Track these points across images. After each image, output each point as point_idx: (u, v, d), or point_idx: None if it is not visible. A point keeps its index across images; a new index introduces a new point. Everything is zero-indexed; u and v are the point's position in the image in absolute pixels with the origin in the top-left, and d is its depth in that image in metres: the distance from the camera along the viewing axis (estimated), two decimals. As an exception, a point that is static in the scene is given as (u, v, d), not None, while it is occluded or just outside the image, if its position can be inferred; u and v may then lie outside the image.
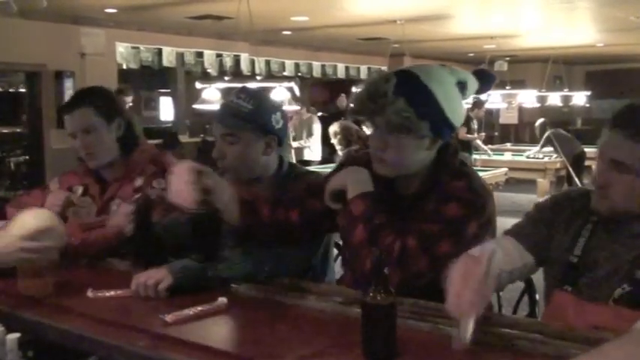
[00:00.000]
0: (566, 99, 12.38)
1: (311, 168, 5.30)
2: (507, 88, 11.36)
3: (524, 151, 10.05)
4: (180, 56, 9.53)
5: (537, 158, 9.21)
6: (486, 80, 1.85)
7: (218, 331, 1.59)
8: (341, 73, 12.48)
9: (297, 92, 8.46)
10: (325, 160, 8.81)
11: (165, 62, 9.35)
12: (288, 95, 7.36)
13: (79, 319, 1.62)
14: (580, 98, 12.56)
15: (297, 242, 1.96)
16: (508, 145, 11.91)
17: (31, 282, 1.81)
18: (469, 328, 1.25)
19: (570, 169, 8.75)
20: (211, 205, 1.78)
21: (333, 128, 5.80)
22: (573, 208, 1.58)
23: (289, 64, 11.31)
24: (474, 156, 9.12)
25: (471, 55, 13.19)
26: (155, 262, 1.82)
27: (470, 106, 9.05)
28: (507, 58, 12.73)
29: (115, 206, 2.36)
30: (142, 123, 10.75)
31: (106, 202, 2.40)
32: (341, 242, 2.27)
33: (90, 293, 1.75)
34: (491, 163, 8.84)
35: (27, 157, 8.97)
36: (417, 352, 1.35)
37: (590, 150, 8.21)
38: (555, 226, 1.59)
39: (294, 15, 8.41)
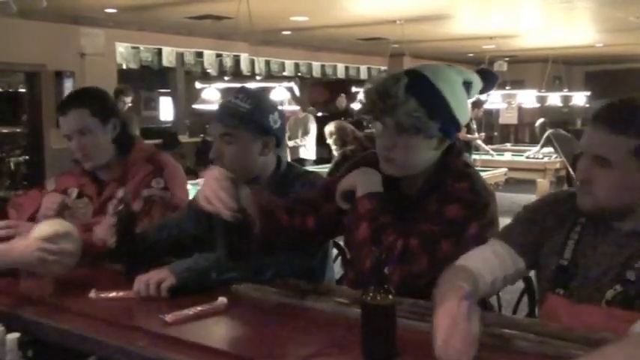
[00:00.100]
0: (565, 99, 12.39)
1: (309, 168, 5.29)
2: (507, 88, 11.37)
3: (523, 151, 10.04)
4: (179, 56, 9.53)
5: (537, 158, 9.21)
6: (489, 80, 1.86)
7: (218, 331, 1.59)
8: (341, 73, 12.48)
9: (297, 92, 8.46)
10: (322, 160, 8.81)
11: (165, 62, 9.35)
12: (287, 95, 7.36)
13: (78, 319, 1.62)
14: (580, 98, 12.56)
15: (311, 247, 1.98)
16: (508, 146, 11.91)
17: (33, 282, 1.82)
18: None
19: (570, 170, 8.73)
20: (245, 213, 1.72)
21: (329, 128, 5.82)
22: (562, 209, 1.58)
23: (289, 64, 11.31)
24: (474, 156, 9.13)
25: (471, 55, 13.20)
26: (142, 272, 1.80)
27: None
28: (507, 59, 12.74)
29: (112, 206, 2.36)
30: (141, 123, 10.79)
31: (103, 202, 2.40)
32: (341, 243, 2.28)
33: (92, 294, 1.75)
34: (491, 163, 8.85)
35: (27, 157, 8.97)
36: (416, 352, 1.34)
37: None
38: (545, 228, 1.59)
39: (293, 15, 8.41)
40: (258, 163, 2.07)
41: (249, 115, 2.01)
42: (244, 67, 10.03)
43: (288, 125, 8.66)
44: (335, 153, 5.81)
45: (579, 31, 10.25)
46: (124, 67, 8.98)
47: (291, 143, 8.62)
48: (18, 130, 10.23)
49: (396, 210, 1.73)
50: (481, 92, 1.88)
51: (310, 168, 5.83)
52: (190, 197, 2.41)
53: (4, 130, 10.50)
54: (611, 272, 1.46)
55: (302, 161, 8.21)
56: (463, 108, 1.73)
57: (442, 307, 1.24)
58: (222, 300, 1.65)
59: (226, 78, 9.91)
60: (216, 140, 2.06)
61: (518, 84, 13.20)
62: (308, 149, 8.95)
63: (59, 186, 2.51)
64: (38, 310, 1.70)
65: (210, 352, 1.39)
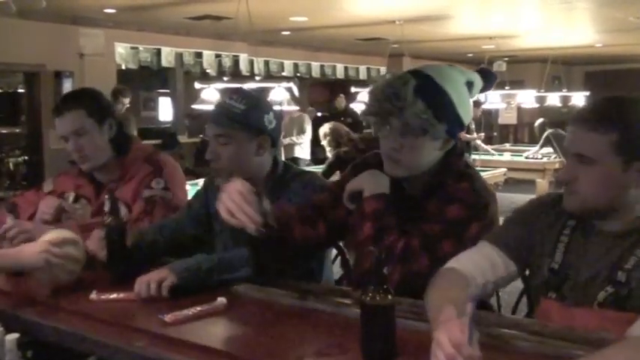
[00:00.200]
0: (565, 99, 12.39)
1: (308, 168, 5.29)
2: (506, 88, 11.35)
3: (523, 151, 10.04)
4: (179, 56, 9.52)
5: (536, 159, 9.21)
6: (488, 79, 1.87)
7: (217, 332, 1.59)
8: (340, 74, 12.47)
9: (296, 92, 8.46)
10: (317, 161, 8.79)
11: (164, 62, 9.34)
12: (287, 95, 7.36)
13: (77, 319, 1.62)
14: (579, 99, 12.56)
15: (321, 253, 2.01)
16: (507, 146, 11.91)
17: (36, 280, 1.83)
18: None
19: (569, 170, 8.73)
20: (269, 227, 1.67)
21: (323, 130, 5.85)
22: (552, 212, 1.58)
23: (288, 64, 11.31)
24: (474, 156, 9.13)
25: (470, 55, 13.20)
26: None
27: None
28: (506, 59, 12.74)
29: (105, 196, 2.36)
30: (140, 123, 10.79)
31: (101, 203, 2.40)
32: (341, 243, 2.28)
33: (93, 295, 1.75)
34: (491, 163, 8.84)
35: (26, 158, 8.96)
36: (416, 353, 1.34)
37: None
38: (535, 231, 1.59)
39: (293, 15, 8.41)
40: (254, 163, 2.07)
41: (244, 116, 2.01)
42: (243, 67, 10.02)
43: (282, 124, 8.66)
44: (329, 154, 5.83)
45: (579, 32, 10.25)
46: (123, 67, 8.97)
47: (286, 140, 8.61)
48: (17, 130, 10.21)
49: (398, 210, 1.73)
50: (480, 92, 1.88)
51: (305, 168, 5.83)
52: (189, 197, 2.41)
53: (3, 131, 10.48)
54: (601, 274, 1.46)
55: (296, 160, 8.21)
56: (467, 108, 1.74)
57: (442, 330, 1.19)
58: (221, 300, 1.65)
59: (225, 78, 9.91)
60: (212, 141, 2.05)
61: (517, 84, 13.19)
62: (303, 149, 8.95)
63: (56, 187, 2.51)
64: (38, 311, 1.70)
65: (210, 353, 1.39)
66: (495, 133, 14.54)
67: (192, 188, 3.66)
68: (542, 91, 12.08)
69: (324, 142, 5.84)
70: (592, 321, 1.42)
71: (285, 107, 7.55)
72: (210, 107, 6.55)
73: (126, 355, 1.43)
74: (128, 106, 7.63)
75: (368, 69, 12.95)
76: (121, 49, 8.79)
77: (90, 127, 2.33)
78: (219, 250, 2.15)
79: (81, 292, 1.79)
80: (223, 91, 6.85)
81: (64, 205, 2.31)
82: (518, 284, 1.74)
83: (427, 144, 1.69)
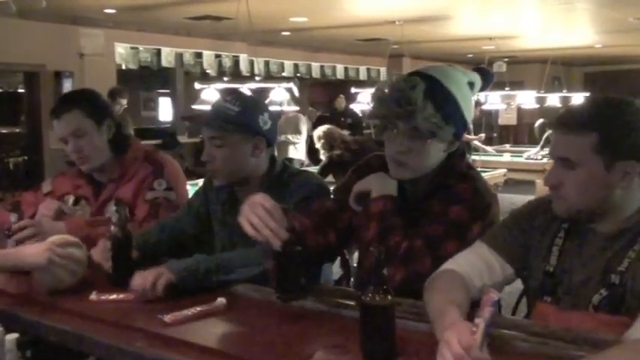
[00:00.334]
0: (565, 100, 12.39)
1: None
2: (506, 89, 11.35)
3: (523, 152, 10.03)
4: (179, 57, 9.52)
5: (536, 159, 9.21)
6: (487, 79, 1.87)
7: (217, 332, 1.59)
8: (340, 74, 12.47)
9: (296, 93, 8.45)
10: (317, 162, 8.78)
11: (164, 63, 9.34)
12: (286, 96, 7.36)
13: (77, 319, 1.62)
14: (579, 99, 12.56)
15: (332, 260, 2.00)
16: (507, 146, 11.90)
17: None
18: None
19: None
20: (293, 242, 1.59)
21: (317, 133, 5.91)
22: (547, 215, 1.58)
23: (288, 64, 11.31)
24: (473, 157, 9.13)
25: (470, 56, 13.20)
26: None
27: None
28: (506, 59, 12.75)
29: (113, 206, 2.36)
30: (141, 123, 10.79)
31: (101, 203, 2.40)
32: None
33: (93, 296, 1.75)
34: (490, 164, 8.84)
35: (26, 158, 8.96)
36: (415, 353, 1.34)
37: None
38: (531, 234, 1.59)
39: (293, 16, 8.41)
40: (250, 164, 2.06)
41: (238, 118, 2.01)
42: (243, 67, 10.02)
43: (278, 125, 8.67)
44: (323, 157, 5.90)
45: (578, 32, 10.26)
46: (123, 67, 8.98)
47: (281, 138, 8.60)
48: (17, 130, 10.22)
49: (401, 211, 1.74)
50: (479, 91, 1.89)
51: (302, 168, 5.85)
52: (189, 196, 2.41)
53: (3, 131, 10.49)
54: (595, 276, 1.46)
55: (290, 161, 8.20)
56: (470, 109, 1.75)
57: (454, 330, 1.19)
58: (221, 300, 1.65)
59: (225, 78, 9.90)
60: (208, 143, 2.05)
61: (517, 85, 13.19)
62: (298, 149, 8.94)
63: (55, 188, 2.51)
64: (37, 311, 1.70)
65: (210, 353, 1.39)
66: (495, 134, 14.53)
67: (192, 188, 3.65)
68: (542, 91, 12.08)
69: (318, 145, 5.90)
70: (587, 324, 1.42)
71: (285, 107, 7.55)
72: (207, 108, 6.58)
73: (125, 356, 1.43)
74: (126, 106, 7.63)
75: (368, 69, 12.96)
76: (121, 49, 8.80)
77: (88, 127, 2.33)
78: (218, 250, 2.15)
79: (81, 292, 1.79)
80: (223, 92, 6.86)
81: (64, 207, 2.31)
82: (518, 285, 1.74)
83: (434, 147, 1.69)
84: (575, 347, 1.31)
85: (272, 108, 6.98)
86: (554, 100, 12.15)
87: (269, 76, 10.41)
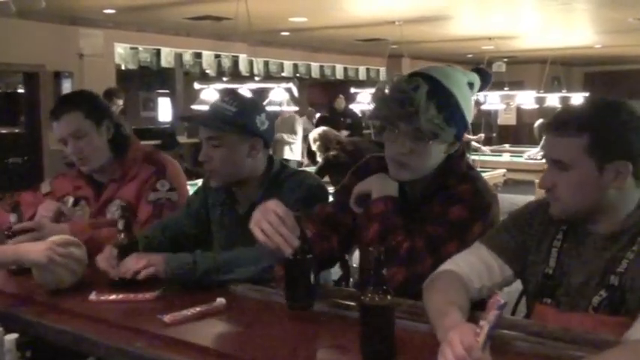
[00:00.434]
0: (564, 100, 12.39)
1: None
2: (505, 89, 11.35)
3: (522, 152, 10.03)
4: (178, 57, 9.53)
5: (536, 159, 9.21)
6: (485, 79, 1.87)
7: (216, 332, 1.59)
8: (339, 74, 12.48)
9: (296, 93, 8.45)
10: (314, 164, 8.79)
11: (164, 63, 9.34)
12: (286, 96, 7.36)
13: (77, 319, 1.62)
14: (578, 99, 12.56)
15: (333, 265, 2.00)
16: (506, 147, 11.91)
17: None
18: None
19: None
20: (305, 250, 1.57)
21: (313, 135, 5.97)
22: (546, 217, 1.58)
23: (288, 64, 11.31)
24: (473, 157, 9.13)
25: (470, 56, 13.21)
26: None
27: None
28: (506, 59, 12.75)
29: (114, 207, 2.36)
30: (140, 124, 10.78)
31: (102, 204, 2.40)
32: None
33: (93, 296, 1.75)
34: (490, 164, 8.84)
35: (25, 158, 8.96)
36: (415, 353, 1.35)
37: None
38: (530, 236, 1.60)
39: (292, 16, 8.41)
40: (247, 164, 2.06)
41: (235, 118, 2.00)
42: (243, 67, 10.03)
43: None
44: (319, 159, 5.94)
45: (578, 33, 10.26)
46: (123, 67, 8.98)
47: (277, 136, 8.61)
48: (16, 130, 10.22)
49: (402, 212, 1.74)
50: (477, 92, 1.89)
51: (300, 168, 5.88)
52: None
53: (3, 131, 10.48)
54: (594, 278, 1.46)
55: (286, 162, 8.18)
56: (470, 110, 1.75)
57: (457, 331, 1.19)
58: (220, 301, 1.65)
59: (225, 79, 9.89)
60: (204, 143, 2.05)
61: (517, 85, 13.19)
62: (293, 150, 8.93)
63: (54, 190, 2.51)
64: (37, 311, 1.70)
65: (209, 353, 1.39)
66: (495, 134, 14.54)
67: (191, 188, 3.65)
68: (542, 91, 12.08)
69: (314, 148, 5.95)
70: (587, 326, 1.42)
71: (285, 108, 7.55)
72: (206, 108, 6.60)
73: (125, 356, 1.43)
74: (122, 107, 7.62)
75: (367, 70, 12.96)
76: (121, 50, 8.80)
77: (88, 128, 2.33)
78: (217, 250, 2.14)
79: (80, 292, 1.78)
80: (222, 92, 6.86)
81: (63, 208, 2.31)
82: (517, 285, 1.74)
83: (435, 148, 1.69)
84: (575, 347, 1.31)
85: (271, 108, 7.01)
86: (553, 100, 12.14)
87: (268, 77, 10.41)
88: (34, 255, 1.80)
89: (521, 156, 9.73)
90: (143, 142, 2.64)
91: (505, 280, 1.61)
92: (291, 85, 7.58)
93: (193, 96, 8.17)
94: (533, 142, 10.09)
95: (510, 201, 8.75)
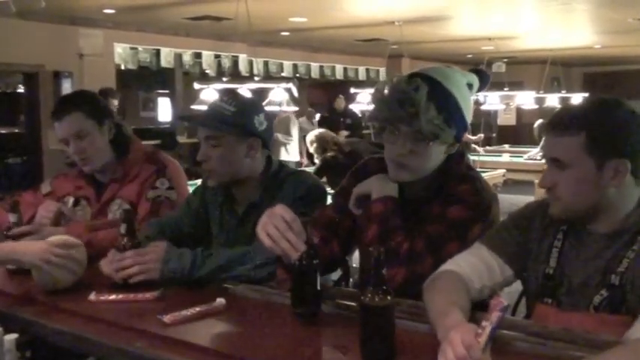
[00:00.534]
0: (564, 100, 12.39)
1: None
2: (505, 89, 11.36)
3: (522, 152, 10.04)
4: (178, 57, 9.53)
5: (536, 160, 9.21)
6: (484, 80, 1.87)
7: (216, 332, 1.59)
8: (339, 74, 12.49)
9: (295, 93, 8.46)
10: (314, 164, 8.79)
11: (164, 63, 9.34)
12: (286, 96, 7.36)
13: (76, 319, 1.62)
14: (578, 100, 12.56)
15: (334, 270, 2.00)
16: (506, 147, 11.92)
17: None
18: None
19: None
20: (311, 256, 1.55)
21: (310, 137, 6.01)
22: (546, 217, 1.59)
23: (287, 65, 11.31)
24: (472, 157, 9.14)
25: (470, 56, 13.21)
26: None
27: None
28: (505, 60, 12.75)
29: (116, 206, 2.37)
30: (139, 124, 10.76)
31: (104, 204, 2.41)
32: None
33: (92, 297, 1.75)
34: (490, 164, 8.85)
35: (24, 158, 8.96)
36: (415, 353, 1.35)
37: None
38: (530, 237, 1.60)
39: (292, 16, 8.41)
40: (245, 165, 2.06)
41: (233, 118, 2.01)
42: (243, 67, 10.03)
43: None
44: (317, 161, 5.97)
45: (577, 33, 10.26)
46: (123, 67, 8.98)
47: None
48: (16, 130, 10.22)
49: (402, 212, 1.74)
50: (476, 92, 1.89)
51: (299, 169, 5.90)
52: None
53: (2, 131, 10.49)
54: (595, 277, 1.47)
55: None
56: (470, 110, 1.75)
57: (458, 330, 1.19)
58: (220, 301, 1.65)
59: (225, 79, 9.90)
60: (203, 143, 2.06)
61: (516, 85, 13.20)
62: (289, 151, 8.93)
63: (55, 190, 2.51)
64: (37, 311, 1.70)
65: (209, 353, 1.39)
66: (494, 134, 14.54)
67: (191, 188, 3.66)
68: (541, 92, 12.08)
69: (311, 150, 5.98)
70: (588, 325, 1.43)
71: (285, 108, 7.55)
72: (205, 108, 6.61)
73: (125, 356, 1.43)
74: (117, 107, 7.61)
75: (367, 70, 12.96)
76: (120, 50, 8.80)
77: (90, 128, 2.33)
78: (216, 249, 2.14)
79: (80, 292, 1.78)
80: (221, 92, 6.86)
81: (64, 209, 2.31)
82: (517, 286, 1.74)
83: (435, 149, 1.69)
84: (575, 348, 1.31)
85: (271, 108, 7.01)
86: (553, 100, 12.15)
87: (268, 77, 10.41)
88: (29, 256, 1.79)
89: (520, 156, 9.74)
90: (143, 142, 2.64)
91: (506, 280, 1.61)
92: (290, 85, 7.59)
93: (193, 96, 8.17)
94: (533, 143, 10.09)
95: (510, 201, 8.75)
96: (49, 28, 7.93)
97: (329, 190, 2.34)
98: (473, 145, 9.63)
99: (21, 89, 9.78)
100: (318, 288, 1.55)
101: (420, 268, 1.63)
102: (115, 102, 7.38)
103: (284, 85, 7.48)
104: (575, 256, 1.52)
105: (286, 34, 10.01)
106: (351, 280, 2.48)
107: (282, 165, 2.19)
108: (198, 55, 9.71)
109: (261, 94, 7.78)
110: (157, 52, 9.22)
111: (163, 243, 1.90)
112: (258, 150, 2.07)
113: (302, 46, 11.33)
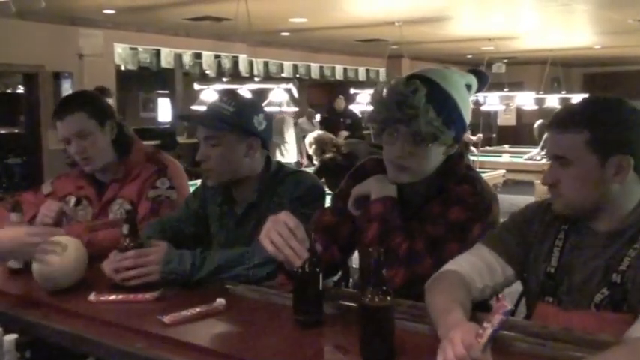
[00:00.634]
0: (564, 101, 12.39)
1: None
2: (505, 89, 11.36)
3: (522, 152, 10.04)
4: (178, 57, 9.52)
5: (535, 160, 9.22)
6: (482, 80, 1.87)
7: (216, 333, 1.59)
8: (339, 75, 12.49)
9: (295, 94, 8.46)
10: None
11: (164, 63, 9.33)
12: (286, 97, 7.36)
13: (76, 320, 1.62)
14: (578, 100, 12.54)
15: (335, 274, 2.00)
16: (506, 147, 11.93)
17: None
18: None
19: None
20: (314, 263, 1.54)
21: (308, 140, 6.05)
22: (547, 217, 1.60)
23: (287, 65, 11.31)
24: (472, 158, 9.14)
25: (470, 56, 13.21)
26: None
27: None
28: (505, 60, 12.75)
29: (117, 206, 2.37)
30: (139, 124, 10.75)
31: (105, 204, 2.41)
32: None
33: (92, 297, 1.75)
34: (489, 165, 8.85)
35: (24, 158, 8.95)
36: (415, 353, 1.35)
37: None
38: (531, 237, 1.61)
39: (292, 16, 8.41)
40: (244, 164, 2.06)
41: (233, 118, 2.01)
42: (243, 68, 10.02)
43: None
44: (316, 162, 5.99)
45: (577, 33, 10.26)
46: (123, 68, 8.97)
47: None
48: (16, 130, 10.21)
49: (402, 213, 1.74)
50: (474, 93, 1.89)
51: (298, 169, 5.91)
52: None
53: (2, 131, 10.47)
54: (596, 275, 1.47)
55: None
56: (469, 111, 1.75)
57: (459, 329, 1.19)
58: (220, 301, 1.65)
59: (225, 79, 9.90)
60: (202, 143, 2.06)
61: (516, 85, 13.20)
62: (286, 151, 8.93)
63: (56, 190, 2.51)
64: (37, 311, 1.70)
65: (209, 353, 1.39)
66: (494, 135, 14.55)
67: (191, 188, 3.66)
68: (541, 92, 12.09)
69: (310, 152, 6.01)
70: (589, 323, 1.43)
71: (285, 108, 7.55)
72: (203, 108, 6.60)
73: (125, 356, 1.43)
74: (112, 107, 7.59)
75: (367, 70, 12.96)
76: (120, 50, 8.79)
77: (92, 128, 2.34)
78: (216, 249, 2.14)
79: (80, 292, 1.78)
80: (221, 92, 6.86)
81: (65, 208, 2.31)
82: (517, 286, 1.74)
83: (434, 150, 1.69)
84: (575, 348, 1.31)
85: (271, 109, 7.01)
86: (553, 101, 12.16)
87: (268, 77, 10.41)
88: (5, 242, 1.76)
89: (520, 157, 9.74)
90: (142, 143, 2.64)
91: (507, 280, 1.62)
92: (290, 85, 7.59)
93: (193, 96, 8.17)
94: (533, 143, 10.10)
95: (510, 202, 8.74)
96: (49, 28, 7.93)
97: (327, 191, 2.34)
98: (471, 147, 9.64)
99: (21, 89, 9.77)
100: (321, 296, 1.55)
101: (419, 268, 1.63)
102: (110, 101, 7.38)
103: (284, 85, 7.48)
104: (576, 255, 1.52)
105: (286, 34, 10.00)
106: (350, 280, 2.48)
107: (281, 165, 2.19)
108: (198, 56, 9.71)
109: (261, 94, 7.78)
110: (157, 53, 9.22)
111: (164, 243, 1.90)
112: (257, 150, 2.07)
113: (302, 46, 11.33)
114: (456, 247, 1.65)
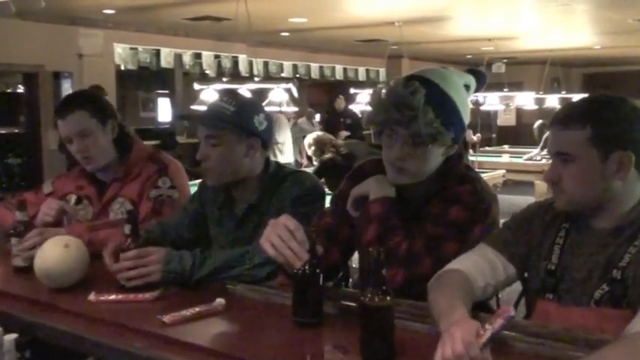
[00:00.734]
0: (564, 101, 12.39)
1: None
2: (505, 90, 11.36)
3: (522, 153, 10.04)
4: (178, 57, 9.52)
5: (535, 160, 9.22)
6: (481, 80, 1.87)
7: (216, 332, 1.59)
8: (339, 75, 12.48)
9: (295, 94, 8.46)
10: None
11: (164, 63, 9.33)
12: (286, 97, 7.37)
13: (76, 319, 1.62)
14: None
15: (335, 277, 2.01)
16: (506, 147, 11.93)
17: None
18: None
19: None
20: (314, 265, 1.54)
21: (307, 140, 6.07)
22: (548, 217, 1.61)
23: (287, 65, 11.31)
24: (471, 158, 9.14)
25: (469, 56, 13.21)
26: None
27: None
28: (505, 60, 12.75)
29: (118, 205, 2.37)
30: (139, 124, 10.75)
31: (106, 203, 2.41)
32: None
33: (92, 297, 1.75)
34: (489, 165, 8.85)
35: (24, 158, 8.95)
36: (415, 354, 1.35)
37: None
38: (532, 236, 1.62)
39: (292, 16, 8.41)
40: (244, 164, 2.06)
41: (233, 118, 2.01)
42: (243, 68, 10.02)
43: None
44: (315, 163, 6.01)
45: (577, 34, 10.27)
46: (122, 67, 8.97)
47: None
48: (16, 130, 10.21)
49: (402, 214, 1.74)
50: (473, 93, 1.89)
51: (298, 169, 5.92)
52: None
53: (2, 131, 10.46)
54: (596, 272, 1.48)
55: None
56: (468, 112, 1.75)
57: (459, 327, 1.20)
58: (220, 301, 1.65)
59: (225, 79, 9.91)
60: (203, 142, 2.06)
61: (516, 86, 13.20)
62: (283, 151, 8.92)
63: (56, 189, 2.51)
64: (36, 311, 1.70)
65: (208, 353, 1.39)
66: (494, 135, 14.55)
67: (192, 188, 3.67)
68: (541, 92, 12.09)
69: (309, 152, 6.02)
70: (589, 319, 1.44)
71: (285, 108, 7.55)
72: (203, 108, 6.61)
73: (124, 356, 1.43)
74: None
75: (367, 70, 12.96)
76: (120, 50, 8.79)
77: (94, 127, 2.34)
78: (216, 250, 2.14)
79: (80, 292, 1.78)
80: (221, 92, 6.86)
81: (66, 207, 2.32)
82: (517, 286, 1.74)
83: (433, 151, 1.69)
84: (575, 348, 1.31)
85: (271, 109, 7.01)
86: (553, 101, 12.16)
87: (268, 77, 10.41)
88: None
89: (520, 157, 9.74)
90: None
91: (509, 278, 1.62)
92: (290, 85, 7.60)
93: (193, 96, 8.18)
94: (533, 143, 10.10)
95: (510, 202, 8.74)
96: (48, 28, 7.93)
97: (327, 191, 2.34)
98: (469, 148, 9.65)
99: (21, 89, 9.76)
100: (321, 298, 1.55)
101: (419, 268, 1.63)
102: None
103: (284, 85, 7.49)
104: (577, 252, 1.53)
105: (286, 34, 10.00)
106: (350, 280, 2.48)
107: (281, 166, 2.19)
108: (198, 56, 9.71)
109: (261, 94, 7.78)
110: (157, 53, 9.22)
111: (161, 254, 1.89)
112: (257, 150, 2.07)
113: (302, 46, 11.33)
114: (455, 246, 1.65)
